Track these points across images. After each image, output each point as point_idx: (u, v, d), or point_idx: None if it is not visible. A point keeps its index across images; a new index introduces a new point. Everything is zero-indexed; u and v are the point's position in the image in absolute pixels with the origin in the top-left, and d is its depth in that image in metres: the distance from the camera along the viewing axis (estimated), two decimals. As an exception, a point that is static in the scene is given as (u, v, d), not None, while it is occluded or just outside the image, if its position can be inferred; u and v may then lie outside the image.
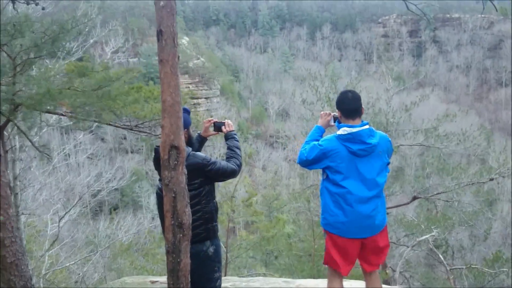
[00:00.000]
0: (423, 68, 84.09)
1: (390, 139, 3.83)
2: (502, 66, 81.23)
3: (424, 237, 11.62)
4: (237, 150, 3.84)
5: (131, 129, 5.68)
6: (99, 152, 43.65)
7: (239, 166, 3.72)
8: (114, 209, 36.53)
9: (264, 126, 69.91)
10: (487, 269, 11.35)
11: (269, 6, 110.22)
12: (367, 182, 3.63)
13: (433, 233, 11.56)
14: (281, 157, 55.80)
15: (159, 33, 2.84)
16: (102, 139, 51.58)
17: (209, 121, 4.03)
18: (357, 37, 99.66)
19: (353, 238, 3.70)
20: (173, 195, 3.12)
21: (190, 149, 3.61)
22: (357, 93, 3.84)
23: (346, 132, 3.59)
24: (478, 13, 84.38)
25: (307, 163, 3.77)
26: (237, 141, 3.95)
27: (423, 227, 12.01)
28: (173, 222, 3.18)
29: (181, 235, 3.21)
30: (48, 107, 4.72)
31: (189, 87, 60.75)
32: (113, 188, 21.92)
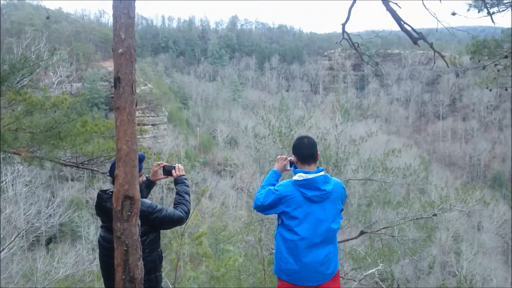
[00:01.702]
0: (365, 100, 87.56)
1: (344, 186, 3.86)
2: (440, 99, 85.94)
3: (370, 271, 11.76)
4: (186, 196, 3.75)
5: (77, 167, 5.40)
6: (38, 180, 41.59)
7: (187, 213, 3.62)
8: (52, 240, 34.68)
9: (212, 154, 69.53)
10: (431, 302, 11.63)
11: (219, 36, 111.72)
12: (321, 229, 3.63)
13: (379, 267, 11.74)
14: (229, 185, 55.52)
15: (117, 80, 2.73)
16: (41, 166, 49.19)
17: (159, 164, 3.93)
18: (304, 69, 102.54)
19: (306, 286, 3.68)
20: (125, 248, 2.96)
21: None
22: (312, 139, 3.87)
23: (301, 178, 3.60)
24: (417, 49, 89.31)
25: (262, 208, 3.75)
26: (187, 186, 3.87)
27: (369, 260, 12.18)
28: (124, 276, 3.01)
29: (133, 290, 3.03)
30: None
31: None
32: (53, 223, 20.83)
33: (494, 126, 78.07)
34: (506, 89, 6.91)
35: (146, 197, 3.78)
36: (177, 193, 3.76)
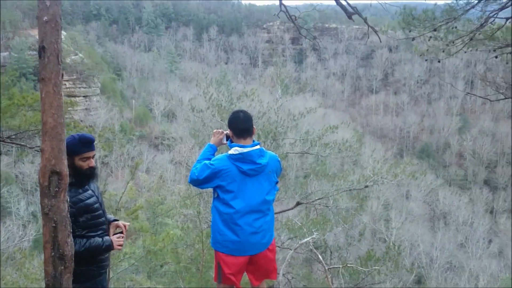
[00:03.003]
0: (303, 74, 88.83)
1: (279, 159, 3.94)
2: (373, 74, 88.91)
3: (305, 240, 12.18)
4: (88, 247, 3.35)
5: (3, 141, 5.07)
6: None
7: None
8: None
9: (149, 128, 67.99)
10: (361, 267, 12.26)
11: (154, 4, 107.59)
12: (256, 201, 3.73)
13: (313, 236, 12.19)
14: (167, 159, 54.84)
15: (42, 50, 2.57)
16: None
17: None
18: (243, 41, 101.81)
19: (242, 255, 3.80)
20: (54, 225, 2.85)
21: None
22: (248, 113, 3.91)
23: (237, 152, 3.65)
24: (353, 24, 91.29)
25: (198, 182, 3.79)
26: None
27: (305, 230, 12.60)
28: (53, 253, 2.91)
29: (63, 268, 2.94)
30: None
31: (65, 85, 56.89)
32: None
33: (423, 99, 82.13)
34: (439, 61, 7.22)
35: None
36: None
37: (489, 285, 33.53)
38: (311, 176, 14.36)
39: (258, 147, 3.72)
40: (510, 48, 5.65)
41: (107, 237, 3.45)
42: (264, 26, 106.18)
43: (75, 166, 3.29)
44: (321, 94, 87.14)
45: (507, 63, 6.36)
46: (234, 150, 3.66)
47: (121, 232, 3.60)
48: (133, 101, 74.19)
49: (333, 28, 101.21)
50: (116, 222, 3.64)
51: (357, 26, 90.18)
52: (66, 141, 3.20)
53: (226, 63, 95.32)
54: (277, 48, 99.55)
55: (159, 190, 27.23)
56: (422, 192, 55.88)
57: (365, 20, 4.20)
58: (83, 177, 3.36)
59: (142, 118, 68.76)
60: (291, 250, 12.34)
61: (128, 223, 3.70)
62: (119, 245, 3.50)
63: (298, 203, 12.12)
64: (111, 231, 3.57)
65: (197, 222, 10.44)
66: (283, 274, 12.14)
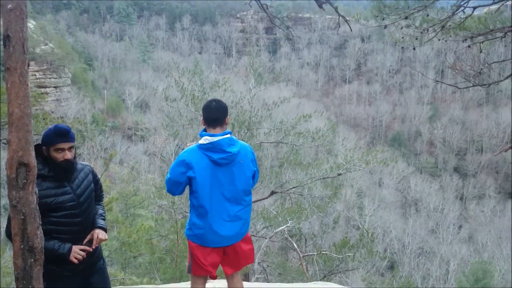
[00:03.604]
0: (278, 64, 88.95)
1: (252, 149, 3.91)
2: (346, 64, 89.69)
3: (280, 228, 12.33)
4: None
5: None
6: None
7: None
8: None
9: (122, 118, 67.01)
10: (335, 254, 12.50)
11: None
12: (229, 191, 3.70)
13: (288, 224, 12.34)
14: (140, 150, 54.26)
15: (6, 39, 2.50)
16: None
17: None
18: (217, 31, 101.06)
19: (216, 247, 3.78)
20: (22, 217, 2.80)
21: None
22: (222, 103, 3.86)
23: (207, 141, 3.61)
24: (326, 14, 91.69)
25: (171, 182, 3.74)
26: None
27: (280, 218, 12.73)
28: (22, 246, 2.87)
29: (33, 260, 2.90)
30: None
31: (35, 75, 55.46)
32: None
33: (395, 89, 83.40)
34: (414, 48, 7.29)
35: None
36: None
37: (460, 270, 34.51)
38: (284, 165, 14.46)
39: (228, 136, 3.68)
40: (481, 37, 5.77)
41: (67, 244, 3.19)
42: (238, 15, 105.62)
43: (51, 157, 3.18)
44: (296, 84, 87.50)
45: (481, 51, 6.46)
46: (204, 140, 3.62)
47: (91, 242, 3.32)
48: (105, 91, 72.87)
49: (306, 18, 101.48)
50: (97, 230, 3.39)
51: (330, 16, 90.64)
52: (45, 132, 3.05)
53: (200, 53, 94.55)
54: (251, 37, 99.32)
55: (133, 182, 26.96)
56: (394, 180, 56.99)
57: (335, 9, 4.23)
58: (58, 169, 3.20)
59: (114, 109, 67.67)
60: (266, 238, 12.48)
61: (105, 238, 3.41)
62: (75, 258, 3.19)
63: (272, 192, 12.23)
64: (87, 237, 3.33)
65: (172, 212, 10.40)
66: (259, 263, 12.27)
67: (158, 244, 10.35)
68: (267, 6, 4.87)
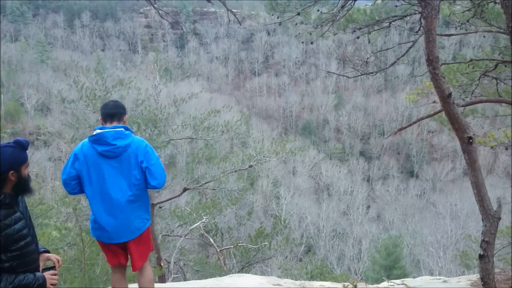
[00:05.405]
0: (186, 59, 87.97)
1: (147, 144, 3.80)
2: (255, 57, 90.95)
3: (195, 225, 12.26)
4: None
5: None
6: None
7: None
8: None
9: (22, 123, 62.44)
10: (251, 245, 12.67)
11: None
12: (119, 185, 3.65)
13: (203, 220, 12.30)
14: (45, 156, 51.04)
15: None
16: None
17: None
18: (120, 27, 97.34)
19: (113, 243, 3.77)
20: None
21: None
22: (120, 103, 3.93)
23: (94, 133, 3.67)
24: (231, 8, 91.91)
25: (66, 181, 3.72)
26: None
27: (195, 215, 12.64)
28: None
29: None
30: None
31: None
32: None
33: (302, 80, 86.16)
34: (312, 43, 7.53)
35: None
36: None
37: (372, 247, 36.58)
38: (196, 161, 14.37)
39: (118, 129, 3.68)
40: (366, 29, 6.12)
41: (39, 273, 2.76)
42: (141, 10, 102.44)
43: (21, 178, 2.65)
44: (206, 78, 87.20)
45: (369, 42, 6.92)
46: (94, 132, 3.69)
47: (53, 267, 2.94)
48: (1, 95, 67.34)
49: (212, 12, 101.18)
50: (47, 254, 2.96)
51: (235, 10, 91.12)
52: (7, 153, 2.58)
53: (103, 50, 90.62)
54: (157, 33, 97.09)
55: (38, 190, 25.26)
56: (307, 167, 59.09)
57: (224, 3, 4.25)
58: (24, 189, 2.69)
59: (13, 114, 62.87)
60: (181, 237, 12.33)
61: (60, 258, 3.04)
62: (52, 284, 2.82)
63: (185, 189, 12.09)
64: (41, 264, 2.89)
65: (76, 219, 9.90)
66: (175, 262, 12.10)
67: (65, 254, 9.77)
68: (155, 1, 4.80)
